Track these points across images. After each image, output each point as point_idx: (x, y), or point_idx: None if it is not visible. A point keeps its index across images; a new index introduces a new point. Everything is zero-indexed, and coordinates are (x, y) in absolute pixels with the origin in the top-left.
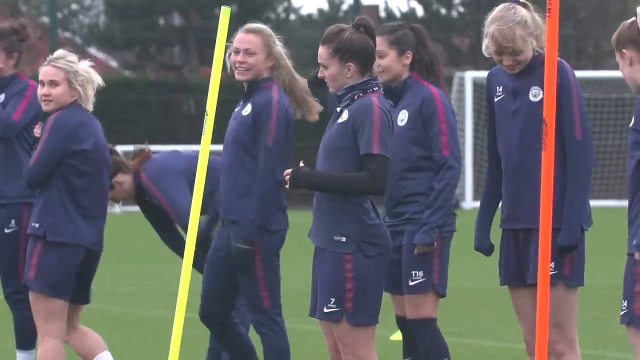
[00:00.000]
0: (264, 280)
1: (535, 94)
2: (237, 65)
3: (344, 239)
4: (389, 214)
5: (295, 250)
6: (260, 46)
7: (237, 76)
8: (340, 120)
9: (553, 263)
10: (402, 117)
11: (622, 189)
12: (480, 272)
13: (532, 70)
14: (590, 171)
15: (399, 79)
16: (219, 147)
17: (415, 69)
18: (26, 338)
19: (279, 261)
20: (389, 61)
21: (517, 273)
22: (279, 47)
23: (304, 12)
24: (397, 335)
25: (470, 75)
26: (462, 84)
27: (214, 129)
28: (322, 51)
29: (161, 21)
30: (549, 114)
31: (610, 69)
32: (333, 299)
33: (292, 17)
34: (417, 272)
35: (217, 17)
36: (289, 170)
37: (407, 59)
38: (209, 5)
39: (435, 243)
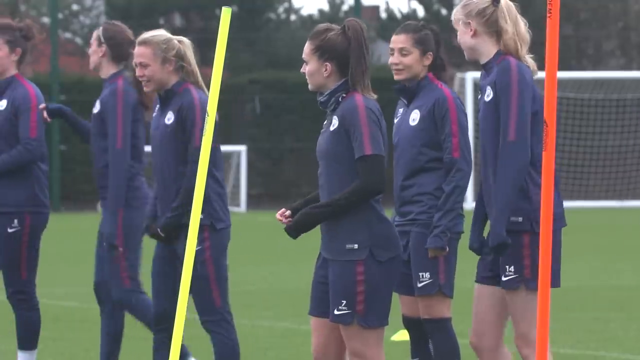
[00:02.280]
0: (215, 280)
1: (488, 94)
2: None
3: (356, 246)
4: (397, 212)
5: (295, 250)
6: (150, 56)
7: (144, 89)
8: (332, 128)
9: (513, 267)
10: (414, 117)
11: (622, 189)
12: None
13: (490, 70)
14: (517, 173)
15: (416, 78)
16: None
17: (431, 69)
18: (28, 338)
19: (227, 259)
20: (412, 60)
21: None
22: (183, 47)
23: (304, 12)
24: (399, 336)
25: (471, 76)
26: (462, 85)
27: (214, 129)
28: (306, 47)
29: (162, 22)
30: (550, 114)
31: (611, 70)
32: (344, 302)
33: (293, 17)
34: (424, 274)
35: (217, 18)
36: (281, 213)
37: (428, 59)
38: (209, 5)
39: (447, 246)
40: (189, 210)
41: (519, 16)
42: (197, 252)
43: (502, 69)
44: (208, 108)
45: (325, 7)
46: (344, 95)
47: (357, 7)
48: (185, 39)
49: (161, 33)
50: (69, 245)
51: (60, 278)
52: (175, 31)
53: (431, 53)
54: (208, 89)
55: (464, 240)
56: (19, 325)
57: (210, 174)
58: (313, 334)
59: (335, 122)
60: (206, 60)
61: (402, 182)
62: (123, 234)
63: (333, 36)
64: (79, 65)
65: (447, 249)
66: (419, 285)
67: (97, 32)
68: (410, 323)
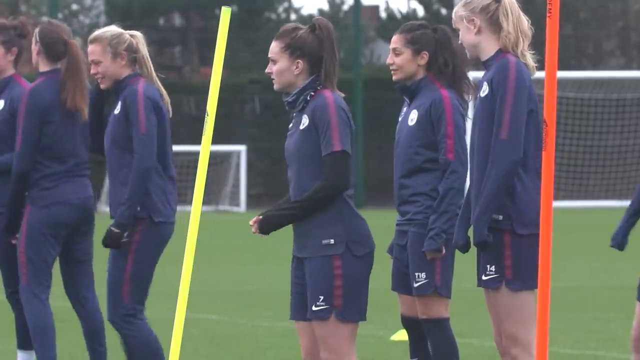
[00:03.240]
0: (130, 274)
1: (483, 90)
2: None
3: (332, 241)
4: (398, 211)
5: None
6: (100, 53)
7: (100, 85)
8: (302, 127)
9: (494, 266)
10: (413, 117)
11: (622, 189)
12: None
13: (490, 68)
14: (506, 173)
15: (413, 78)
16: (219, 147)
17: (432, 70)
18: (27, 338)
19: (157, 256)
20: (403, 60)
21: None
22: (135, 41)
23: (304, 12)
24: (398, 336)
25: (471, 76)
26: None
27: (214, 129)
28: (274, 46)
29: (161, 21)
30: (549, 114)
31: (611, 69)
32: (322, 297)
33: (293, 17)
34: (420, 274)
35: (217, 18)
36: (254, 220)
37: (423, 59)
38: (209, 5)
39: (444, 248)
40: (137, 203)
41: (521, 12)
42: (124, 243)
43: (500, 66)
44: (208, 108)
45: (325, 7)
46: (312, 93)
47: (357, 7)
48: (138, 34)
49: (111, 29)
50: None
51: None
52: (175, 31)
53: (426, 53)
54: (209, 89)
55: None
56: (18, 324)
57: (152, 161)
58: (301, 338)
59: (305, 120)
60: (206, 60)
61: (399, 181)
62: (25, 231)
63: (304, 34)
64: None
65: (444, 250)
66: (415, 285)
67: (36, 31)
68: (409, 323)
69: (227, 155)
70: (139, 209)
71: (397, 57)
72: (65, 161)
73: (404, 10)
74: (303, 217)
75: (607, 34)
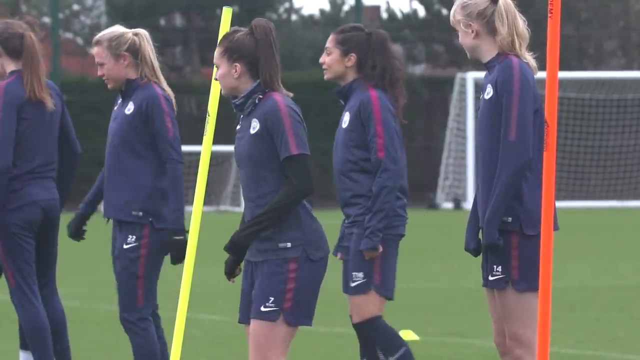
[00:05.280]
0: (144, 278)
1: (488, 92)
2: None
3: (289, 245)
4: (343, 213)
5: None
6: (103, 54)
7: (108, 86)
8: (253, 132)
9: (500, 267)
10: (345, 119)
11: (623, 190)
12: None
13: (493, 69)
14: (515, 174)
15: (342, 79)
16: (220, 148)
17: (364, 73)
18: None
19: (162, 259)
20: (331, 60)
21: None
22: (139, 40)
23: (305, 12)
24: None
25: (472, 76)
26: (463, 85)
27: (215, 129)
28: (216, 51)
29: (162, 22)
30: (551, 115)
31: (612, 70)
32: (272, 298)
33: (294, 17)
34: (357, 274)
35: (218, 18)
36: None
37: (350, 60)
38: (210, 5)
39: (381, 247)
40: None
41: (517, 14)
42: (131, 248)
43: (503, 67)
44: (209, 108)
45: (326, 7)
46: (261, 96)
47: (358, 7)
48: (142, 31)
49: (113, 30)
50: (69, 245)
51: (60, 278)
52: (176, 31)
53: (354, 55)
54: (210, 89)
55: (461, 241)
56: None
57: (152, 167)
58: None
59: (255, 124)
60: (207, 61)
61: (339, 184)
62: (1, 235)
63: (241, 37)
64: (80, 65)
65: (381, 249)
66: (352, 284)
67: None
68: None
69: (228, 156)
70: (141, 214)
71: (327, 56)
72: (31, 160)
73: (405, 10)
74: (272, 226)
75: (609, 34)
